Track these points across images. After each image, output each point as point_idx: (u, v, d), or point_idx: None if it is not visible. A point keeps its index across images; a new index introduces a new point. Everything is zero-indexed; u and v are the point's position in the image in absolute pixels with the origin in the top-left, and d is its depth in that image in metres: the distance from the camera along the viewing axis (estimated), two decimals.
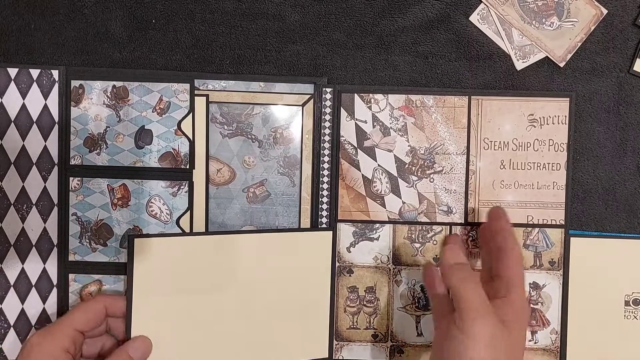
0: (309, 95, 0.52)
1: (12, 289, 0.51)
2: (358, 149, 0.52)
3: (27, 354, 0.43)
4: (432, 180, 0.52)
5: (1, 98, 0.51)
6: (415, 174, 0.52)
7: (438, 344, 0.44)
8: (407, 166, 0.52)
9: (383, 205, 0.52)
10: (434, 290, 0.47)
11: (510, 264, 0.45)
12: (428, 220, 0.52)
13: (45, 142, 0.51)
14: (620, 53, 0.52)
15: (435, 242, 0.52)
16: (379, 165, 0.52)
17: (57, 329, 0.44)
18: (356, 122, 0.52)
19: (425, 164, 0.52)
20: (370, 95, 0.52)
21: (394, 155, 0.52)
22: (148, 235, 0.49)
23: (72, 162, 0.51)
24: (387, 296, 0.52)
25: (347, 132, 0.52)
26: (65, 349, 0.44)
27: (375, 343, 0.52)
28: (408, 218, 0.52)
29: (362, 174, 0.52)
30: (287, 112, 0.52)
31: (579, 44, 0.52)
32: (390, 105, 0.52)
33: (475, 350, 0.40)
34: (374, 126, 0.52)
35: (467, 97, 0.51)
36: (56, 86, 0.51)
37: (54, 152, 0.51)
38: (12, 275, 0.51)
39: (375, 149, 0.52)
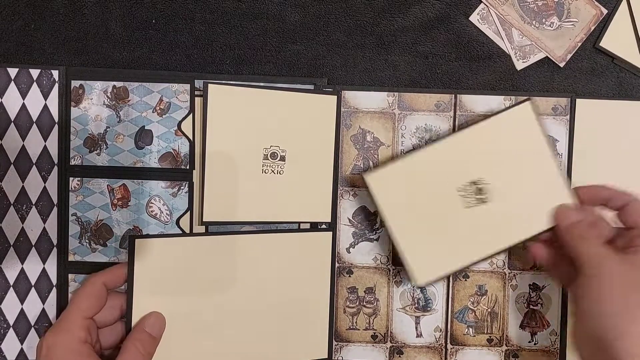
0: None
1: (11, 289, 0.51)
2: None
3: (46, 355, 0.43)
4: None
5: (1, 98, 0.51)
6: None
7: (577, 309, 0.42)
8: None
9: None
10: (544, 260, 0.47)
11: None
12: None
13: (45, 142, 0.51)
14: None
15: None
16: None
17: (67, 323, 0.44)
18: None
19: None
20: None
21: None
22: (149, 236, 0.49)
23: (72, 162, 0.51)
24: (387, 297, 0.52)
25: None
26: (82, 340, 0.43)
27: (374, 344, 0.52)
28: None
29: None
30: None
31: (579, 44, 0.52)
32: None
33: (602, 289, 0.39)
34: None
35: None
36: (56, 86, 0.51)
37: (53, 152, 0.51)
38: (11, 275, 0.51)
39: None
